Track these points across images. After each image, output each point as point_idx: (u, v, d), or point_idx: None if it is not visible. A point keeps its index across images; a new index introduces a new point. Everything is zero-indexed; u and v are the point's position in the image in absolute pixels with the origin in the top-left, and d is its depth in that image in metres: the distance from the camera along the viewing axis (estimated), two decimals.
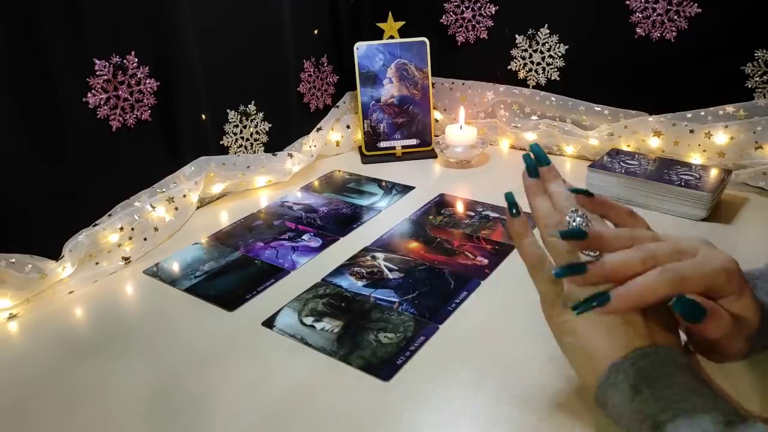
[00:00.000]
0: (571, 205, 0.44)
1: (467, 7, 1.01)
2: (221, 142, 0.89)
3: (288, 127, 0.97)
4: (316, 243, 0.77)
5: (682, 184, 0.77)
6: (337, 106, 1.06)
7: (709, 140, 0.85)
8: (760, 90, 0.83)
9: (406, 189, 0.91)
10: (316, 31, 1.00)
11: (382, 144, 1.03)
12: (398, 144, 1.03)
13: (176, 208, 0.80)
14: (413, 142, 1.04)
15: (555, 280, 0.42)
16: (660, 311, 0.40)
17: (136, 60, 0.74)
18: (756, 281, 0.44)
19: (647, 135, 0.90)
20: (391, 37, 1.02)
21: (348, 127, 1.07)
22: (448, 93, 1.07)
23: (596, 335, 0.39)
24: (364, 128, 1.03)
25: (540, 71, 0.99)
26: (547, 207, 0.44)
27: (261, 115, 0.92)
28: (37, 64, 0.64)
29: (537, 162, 0.47)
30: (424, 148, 1.04)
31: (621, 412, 0.37)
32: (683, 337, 0.42)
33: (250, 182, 0.92)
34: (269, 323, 0.61)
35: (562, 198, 0.44)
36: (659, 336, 0.39)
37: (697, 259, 0.38)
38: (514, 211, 0.45)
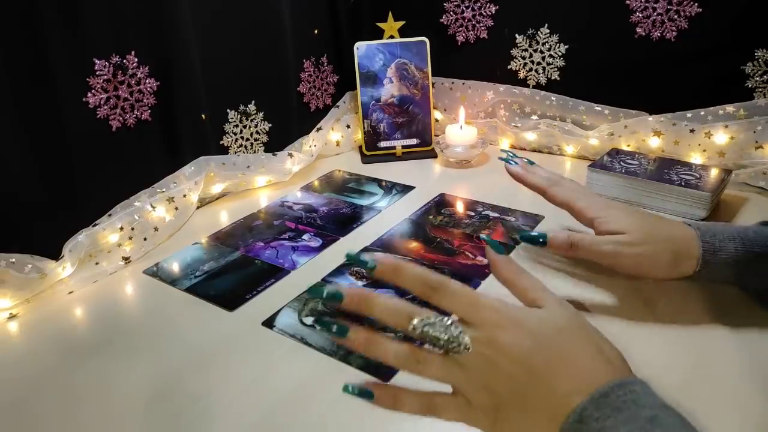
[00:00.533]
0: (403, 318, 0.38)
1: (467, 7, 1.01)
2: (221, 142, 0.89)
3: (288, 127, 0.97)
4: (316, 243, 0.77)
5: (682, 183, 0.77)
6: (337, 106, 1.06)
7: (709, 140, 0.85)
8: (760, 90, 0.83)
9: (406, 189, 0.91)
10: (316, 31, 1.00)
11: (382, 144, 1.03)
12: (398, 144, 1.03)
13: (176, 208, 0.80)
14: (413, 141, 1.04)
15: (457, 400, 0.38)
16: (557, 352, 0.37)
17: (136, 60, 0.74)
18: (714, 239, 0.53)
19: (647, 135, 0.90)
20: (391, 36, 1.02)
21: (348, 126, 1.07)
22: (448, 93, 1.07)
23: (533, 422, 0.36)
24: (364, 128, 1.03)
25: (540, 71, 0.99)
26: (387, 350, 0.38)
27: (261, 115, 0.92)
28: (37, 64, 0.64)
29: (332, 300, 0.39)
30: (424, 148, 1.04)
31: None
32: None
33: (250, 182, 0.92)
34: (269, 323, 0.61)
35: (392, 317, 0.38)
36: (584, 380, 0.35)
37: (568, 189, 0.64)
38: (367, 393, 0.39)
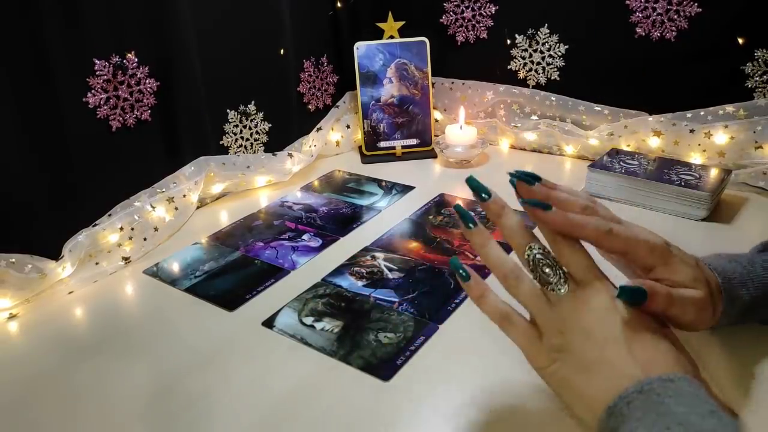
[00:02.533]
0: (525, 240, 0.42)
1: (467, 7, 1.01)
2: (221, 142, 0.89)
3: (288, 127, 0.97)
4: (316, 243, 0.77)
5: (682, 184, 0.77)
6: (337, 106, 1.06)
7: (709, 140, 0.85)
8: (760, 90, 0.83)
9: (406, 189, 0.91)
10: (315, 31, 1.00)
11: (382, 144, 1.03)
12: (398, 144, 1.03)
13: (176, 208, 0.80)
14: (413, 142, 1.04)
15: (531, 329, 0.41)
16: (645, 332, 0.38)
17: (136, 60, 0.74)
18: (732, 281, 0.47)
19: (647, 135, 0.90)
20: (391, 37, 1.02)
21: (348, 127, 1.07)
22: (448, 93, 1.07)
23: (587, 381, 0.38)
24: (364, 128, 1.03)
25: (540, 71, 0.99)
26: (498, 255, 0.42)
27: (261, 115, 0.92)
28: (37, 64, 0.64)
29: (478, 197, 0.43)
30: (424, 148, 1.04)
31: None
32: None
33: (250, 182, 0.92)
34: (269, 323, 0.61)
35: (515, 233, 0.42)
36: (653, 364, 0.37)
37: (635, 228, 0.43)
38: (464, 275, 0.43)
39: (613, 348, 0.37)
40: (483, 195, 0.43)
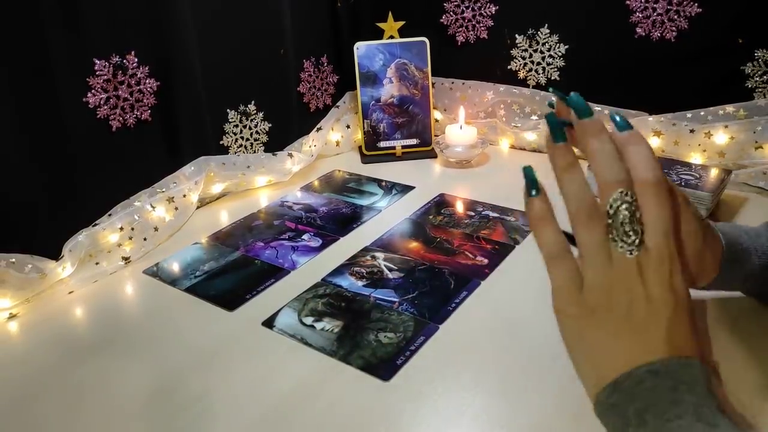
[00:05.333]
0: (617, 179, 0.36)
1: (467, 7, 1.01)
2: (221, 142, 0.89)
3: (288, 127, 0.97)
4: (316, 243, 0.77)
5: (682, 183, 0.77)
6: (337, 106, 1.06)
7: (709, 140, 0.85)
8: (760, 90, 0.83)
9: (406, 189, 0.91)
10: (315, 32, 1.00)
11: (382, 144, 1.03)
12: (398, 144, 1.03)
13: (176, 208, 0.80)
14: (413, 141, 1.04)
15: (577, 274, 0.37)
16: (688, 318, 0.36)
17: (136, 60, 0.74)
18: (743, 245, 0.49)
19: (647, 135, 0.90)
20: (391, 37, 1.02)
21: (348, 126, 1.07)
22: (448, 93, 1.07)
23: (608, 347, 0.36)
24: (364, 128, 1.03)
25: (540, 71, 0.99)
26: (578, 187, 0.36)
27: (261, 115, 0.92)
28: (37, 64, 0.64)
29: (577, 114, 0.38)
30: (424, 148, 1.04)
31: None
32: None
33: (250, 182, 0.92)
34: (269, 323, 0.61)
35: (607, 164, 0.36)
36: (680, 346, 0.35)
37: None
38: (533, 191, 0.38)
39: (652, 327, 0.35)
40: (583, 114, 0.37)
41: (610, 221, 0.36)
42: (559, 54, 0.96)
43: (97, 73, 0.70)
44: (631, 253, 0.36)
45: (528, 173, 0.39)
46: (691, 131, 0.86)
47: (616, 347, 0.36)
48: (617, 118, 0.37)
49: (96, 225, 0.72)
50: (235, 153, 0.90)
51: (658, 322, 0.35)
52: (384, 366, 0.54)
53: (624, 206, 0.35)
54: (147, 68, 0.75)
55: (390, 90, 1.02)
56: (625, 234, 0.36)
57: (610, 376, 0.35)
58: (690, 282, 0.45)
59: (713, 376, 0.35)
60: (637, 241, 0.36)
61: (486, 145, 1.00)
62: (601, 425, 0.36)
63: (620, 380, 0.34)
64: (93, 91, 0.70)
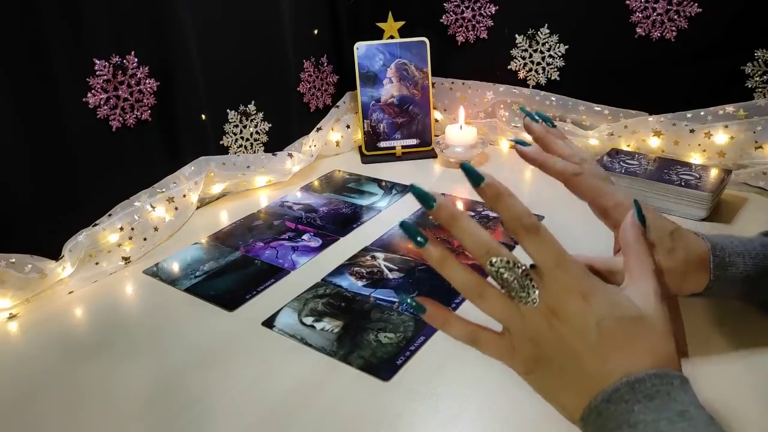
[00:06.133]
0: (486, 249, 0.37)
1: (467, 7, 1.01)
2: (221, 142, 0.89)
3: (288, 127, 0.97)
4: (316, 243, 0.77)
5: (682, 184, 0.77)
6: (337, 106, 1.06)
7: (709, 140, 0.85)
8: (760, 90, 0.83)
9: (406, 189, 0.91)
10: (315, 31, 1.00)
11: (382, 144, 1.03)
12: (398, 144, 1.03)
13: (176, 208, 0.80)
14: (413, 142, 1.04)
15: (502, 342, 0.38)
16: (620, 331, 0.36)
17: (136, 60, 0.74)
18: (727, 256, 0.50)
19: (647, 135, 0.90)
20: (391, 37, 1.02)
21: (348, 127, 1.07)
22: (448, 93, 1.07)
23: (564, 390, 0.37)
24: (364, 128, 1.03)
25: (540, 71, 0.99)
26: (460, 275, 0.38)
27: (261, 115, 0.92)
28: (37, 64, 0.64)
29: (422, 203, 0.37)
30: (424, 148, 1.04)
31: None
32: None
33: (250, 182, 0.92)
34: (269, 323, 0.61)
35: (471, 243, 0.37)
36: (628, 365, 0.35)
37: (605, 183, 0.51)
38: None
39: (587, 358, 0.36)
40: (430, 203, 0.37)
41: (498, 282, 0.37)
42: (559, 54, 0.96)
43: (97, 73, 0.70)
44: (535, 303, 0.36)
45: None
46: (691, 131, 0.86)
47: (571, 390, 0.36)
48: (471, 173, 0.37)
49: (96, 225, 0.72)
50: (235, 153, 0.90)
51: (588, 352, 0.36)
52: (384, 366, 0.54)
53: (502, 270, 0.36)
54: (147, 68, 0.75)
55: (390, 90, 1.02)
56: (521, 289, 0.36)
57: (577, 414, 0.36)
58: (672, 289, 0.48)
59: (674, 375, 0.34)
60: (530, 288, 0.36)
61: (486, 145, 1.00)
62: None
63: (585, 418, 0.35)
64: (93, 91, 0.70)
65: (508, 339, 0.38)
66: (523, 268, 0.37)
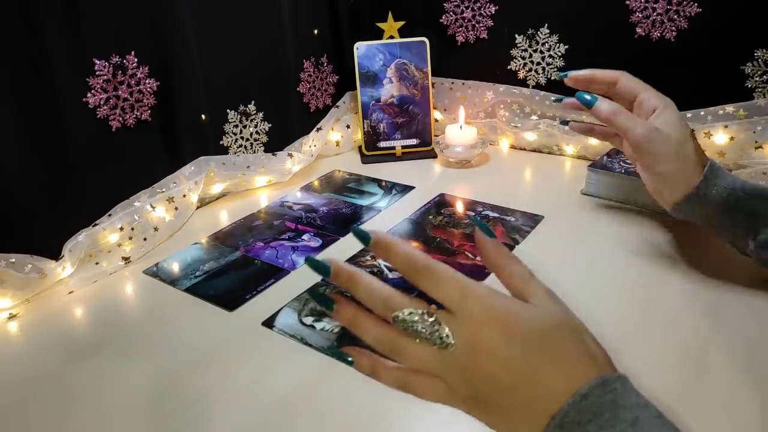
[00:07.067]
0: (390, 308, 0.36)
1: (467, 7, 1.01)
2: (221, 142, 0.89)
3: (288, 127, 0.97)
4: (316, 243, 0.77)
5: None
6: (337, 106, 1.06)
7: (709, 140, 0.85)
8: (760, 90, 0.83)
9: (406, 189, 0.91)
10: (315, 31, 1.00)
11: (382, 144, 1.03)
12: (398, 144, 1.03)
13: (176, 208, 0.80)
14: (413, 142, 1.04)
15: (437, 385, 0.36)
16: (558, 351, 0.35)
17: (136, 60, 0.74)
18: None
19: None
20: (391, 37, 1.02)
21: (348, 127, 1.07)
22: (448, 93, 1.07)
23: (509, 425, 0.35)
24: (364, 128, 1.03)
25: (540, 71, 0.99)
26: (373, 333, 0.37)
27: (261, 115, 0.92)
28: (37, 64, 0.64)
29: (320, 273, 0.39)
30: (424, 148, 1.04)
31: None
32: None
33: (250, 182, 0.92)
34: (269, 323, 0.61)
35: (373, 303, 0.37)
36: (568, 382, 0.34)
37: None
38: (346, 359, 0.39)
39: (521, 388, 0.34)
40: (324, 272, 0.38)
41: (415, 337, 0.36)
42: (559, 54, 0.96)
43: (97, 73, 0.70)
44: (452, 347, 0.35)
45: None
46: (691, 131, 0.86)
47: (516, 424, 0.35)
48: (359, 234, 0.38)
49: (96, 225, 0.72)
50: (235, 153, 0.90)
51: (525, 384, 0.34)
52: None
53: (409, 321, 0.36)
54: (147, 68, 0.75)
55: (390, 90, 1.02)
56: (434, 337, 0.35)
57: None
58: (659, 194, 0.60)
59: (615, 379, 0.33)
60: (448, 333, 0.35)
61: (486, 145, 1.00)
62: None
63: None
64: (93, 91, 0.70)
65: (441, 381, 0.36)
66: (429, 313, 0.36)
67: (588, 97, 0.62)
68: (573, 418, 0.32)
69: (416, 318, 0.36)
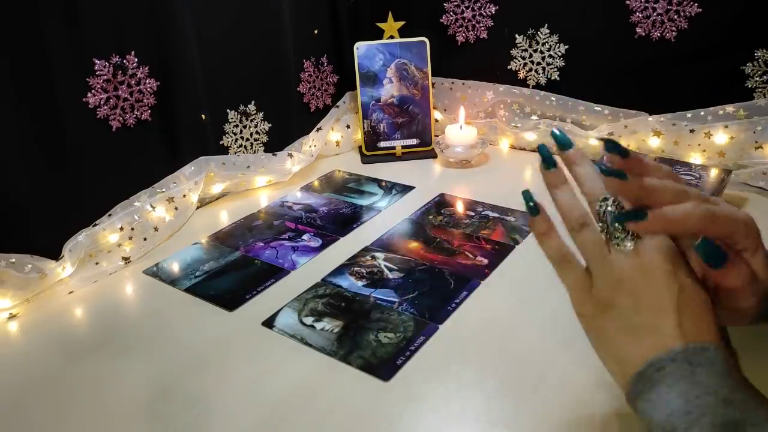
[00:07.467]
0: (600, 191, 0.41)
1: (467, 7, 1.01)
2: (221, 142, 0.89)
3: (288, 127, 0.97)
4: (316, 243, 0.77)
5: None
6: (337, 106, 1.06)
7: (709, 140, 0.85)
8: (760, 90, 0.83)
9: (406, 189, 0.91)
10: (315, 31, 1.00)
11: (382, 144, 1.03)
12: (398, 144, 1.03)
13: (176, 208, 0.80)
14: (413, 142, 1.04)
15: (585, 276, 0.40)
16: (696, 302, 0.37)
17: (136, 60, 0.74)
18: None
19: (647, 135, 0.90)
20: (391, 37, 1.02)
21: (348, 127, 1.07)
22: (448, 93, 1.07)
23: (626, 342, 0.38)
24: (364, 128, 1.03)
25: (540, 71, 0.99)
26: (568, 200, 0.41)
27: (261, 115, 0.92)
28: (37, 64, 0.64)
29: (560, 147, 0.43)
30: (424, 148, 1.04)
31: (654, 418, 0.35)
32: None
33: (250, 182, 0.92)
34: (269, 323, 0.61)
35: (590, 182, 0.42)
36: (693, 332, 0.36)
37: (726, 206, 0.39)
38: (532, 208, 0.42)
39: (661, 317, 0.37)
40: (567, 145, 0.43)
41: (601, 223, 0.40)
42: (559, 54, 0.96)
43: (97, 73, 0.70)
44: (625, 247, 0.38)
45: (526, 197, 0.43)
46: (691, 131, 0.86)
47: (632, 341, 0.37)
48: (560, 138, 0.43)
49: (96, 225, 0.72)
50: (235, 153, 0.90)
51: (665, 310, 0.37)
52: (384, 366, 0.54)
53: (610, 207, 0.39)
54: (147, 68, 0.75)
55: (390, 90, 1.02)
56: (617, 231, 0.39)
57: (631, 371, 0.37)
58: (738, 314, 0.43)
59: (731, 358, 0.36)
60: (629, 235, 0.38)
61: (486, 145, 1.00)
62: (612, 421, 0.37)
63: (642, 371, 0.36)
64: (93, 91, 0.70)
65: (588, 278, 0.40)
66: (626, 229, 0.39)
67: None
68: (688, 357, 0.35)
69: (617, 211, 0.39)
